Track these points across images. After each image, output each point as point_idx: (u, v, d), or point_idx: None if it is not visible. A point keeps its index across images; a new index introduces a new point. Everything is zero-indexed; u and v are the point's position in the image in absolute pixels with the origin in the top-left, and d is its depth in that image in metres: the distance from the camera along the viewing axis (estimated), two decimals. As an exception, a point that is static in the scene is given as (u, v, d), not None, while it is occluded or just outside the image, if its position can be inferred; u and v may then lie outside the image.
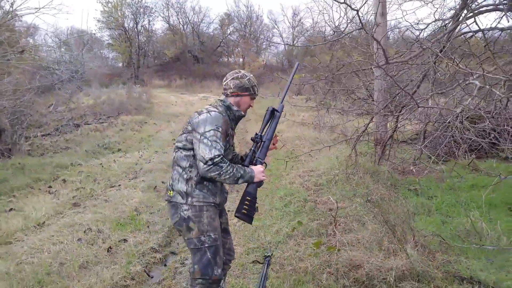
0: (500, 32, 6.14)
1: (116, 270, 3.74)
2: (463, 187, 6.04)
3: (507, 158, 6.94)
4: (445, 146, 7.72)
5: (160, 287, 3.62)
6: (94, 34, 32.50)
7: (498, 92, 4.10)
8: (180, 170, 2.39)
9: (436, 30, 6.71)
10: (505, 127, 5.20)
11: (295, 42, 34.68)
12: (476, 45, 6.70)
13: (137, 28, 35.15)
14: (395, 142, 7.24)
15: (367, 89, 8.29)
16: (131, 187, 6.68)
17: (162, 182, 6.96)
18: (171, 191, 2.41)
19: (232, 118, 2.53)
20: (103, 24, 33.72)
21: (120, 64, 37.42)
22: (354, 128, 7.07)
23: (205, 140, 2.23)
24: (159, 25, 70.07)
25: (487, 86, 4.21)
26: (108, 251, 4.17)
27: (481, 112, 5.10)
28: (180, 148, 2.42)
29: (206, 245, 2.34)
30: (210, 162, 2.20)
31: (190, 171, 2.38)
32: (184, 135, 2.43)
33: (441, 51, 5.38)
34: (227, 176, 2.27)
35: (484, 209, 4.94)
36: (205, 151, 2.22)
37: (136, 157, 9.10)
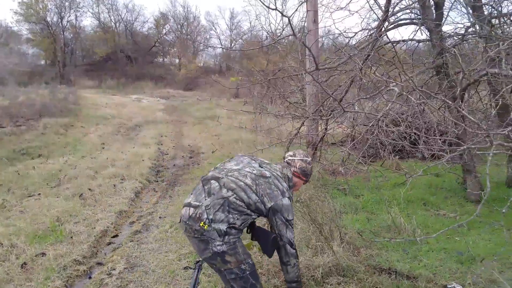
0: (417, 43, 6.77)
1: (32, 287, 3.40)
2: (387, 186, 6.53)
3: (424, 158, 7.67)
4: (371, 148, 8.32)
5: None
6: (11, 27, 29.51)
7: (413, 99, 4.52)
8: (228, 214, 2.28)
9: (362, 39, 7.18)
10: (421, 130, 5.73)
11: (233, 45, 34.86)
12: (400, 54, 7.30)
13: (62, 24, 32.62)
14: (326, 144, 7.61)
15: (300, 93, 8.61)
16: (53, 196, 6.15)
17: (89, 189, 6.52)
18: (207, 225, 2.25)
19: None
20: (21, 17, 30.61)
21: (43, 62, 34.24)
22: (288, 131, 7.28)
23: (290, 227, 2.42)
24: (88, 22, 65.95)
25: (404, 93, 4.62)
26: (22, 267, 3.79)
27: (397, 116, 5.57)
28: (238, 197, 2.31)
29: (248, 272, 2.34)
30: (295, 247, 2.47)
31: (238, 219, 2.31)
32: (253, 192, 2.34)
33: (366, 59, 5.79)
34: (297, 270, 2.52)
35: (403, 205, 5.39)
36: (291, 236, 2.44)
37: (60, 163, 8.41)
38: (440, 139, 5.46)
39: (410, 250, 4.07)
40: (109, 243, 4.64)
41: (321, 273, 3.42)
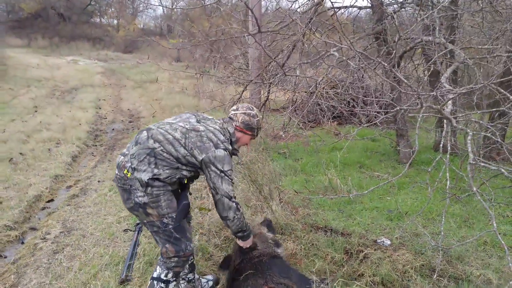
0: (359, 10, 6.82)
1: None
2: (325, 150, 6.70)
3: (361, 123, 7.99)
4: (311, 113, 8.46)
5: (15, 267, 3.11)
6: None
7: (352, 64, 4.55)
8: (153, 165, 2.16)
9: (305, 3, 7.06)
10: (359, 95, 5.88)
11: (174, 5, 32.92)
12: (342, 21, 7.33)
13: (-21, -28, 28.37)
14: (268, 110, 7.57)
15: (243, 58, 8.39)
16: (-26, 162, 5.47)
17: (21, 153, 5.91)
18: (130, 173, 2.17)
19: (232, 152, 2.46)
20: None
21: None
22: (231, 96, 7.10)
23: (226, 178, 2.25)
24: (9, -28, 57.96)
25: (344, 58, 4.64)
26: None
27: (337, 82, 5.64)
28: (166, 150, 2.18)
29: (171, 226, 2.23)
30: (234, 200, 2.29)
31: (164, 172, 2.18)
32: (181, 146, 2.20)
33: (308, 23, 5.70)
34: (238, 222, 2.37)
35: (340, 168, 5.57)
36: (228, 187, 2.26)
37: (-17, 128, 7.49)
38: (376, 104, 5.66)
39: (345, 209, 4.22)
40: (44, 208, 4.33)
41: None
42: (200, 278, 2.78)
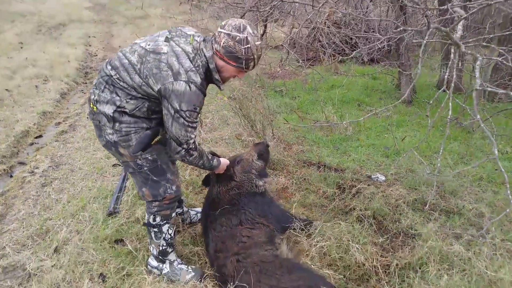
0: None
1: None
2: (324, 88, 6.47)
3: (363, 62, 7.65)
4: (312, 51, 8.07)
5: (4, 198, 3.10)
6: None
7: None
8: (114, 96, 1.87)
9: None
10: (363, 33, 5.52)
11: None
12: None
13: None
14: (266, 47, 7.19)
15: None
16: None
17: (6, 90, 5.73)
18: (95, 107, 1.91)
19: (208, 80, 1.96)
20: None
21: None
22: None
23: (181, 120, 1.79)
24: None
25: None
26: None
27: (340, 11, 5.24)
28: (121, 78, 1.85)
29: (146, 168, 2.00)
30: (185, 146, 1.92)
31: (127, 103, 1.87)
32: (136, 73, 1.82)
33: None
34: (190, 164, 2.09)
35: (338, 106, 5.40)
36: (180, 133, 1.84)
37: (-34, 62, 7.18)
38: (380, 35, 5.31)
39: (341, 146, 4.12)
40: (32, 144, 4.25)
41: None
42: (189, 210, 2.74)
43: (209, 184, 2.59)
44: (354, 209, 2.83)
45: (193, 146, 1.97)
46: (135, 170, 2.01)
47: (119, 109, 1.85)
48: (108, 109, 1.85)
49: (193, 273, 2.17)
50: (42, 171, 3.49)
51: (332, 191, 3.09)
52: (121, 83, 1.84)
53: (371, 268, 2.17)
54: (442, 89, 2.35)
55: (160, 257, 2.19)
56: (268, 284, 1.87)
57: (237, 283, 1.91)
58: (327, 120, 4.27)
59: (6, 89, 5.74)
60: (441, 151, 2.22)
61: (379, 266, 2.17)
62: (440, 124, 4.60)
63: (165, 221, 2.13)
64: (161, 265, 2.20)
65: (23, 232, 2.60)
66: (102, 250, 2.35)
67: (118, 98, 1.85)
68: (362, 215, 2.73)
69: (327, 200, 3.02)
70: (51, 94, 5.77)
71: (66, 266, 2.19)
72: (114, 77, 1.85)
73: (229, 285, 1.93)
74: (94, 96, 1.90)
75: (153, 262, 2.21)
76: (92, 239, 2.43)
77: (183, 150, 1.92)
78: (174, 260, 2.22)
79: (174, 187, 2.10)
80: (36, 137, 4.36)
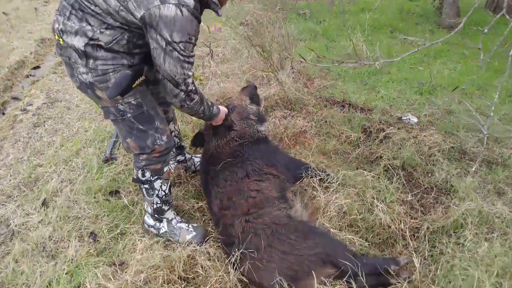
0: None
1: None
2: (353, 10, 5.72)
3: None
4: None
5: None
6: None
7: None
8: (85, 25, 1.49)
9: None
10: None
11: None
12: None
13: None
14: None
15: None
16: None
17: (4, 13, 5.32)
18: (61, 39, 1.54)
19: (203, 4, 1.63)
20: None
21: None
22: None
23: (175, 54, 1.49)
24: None
25: None
26: None
27: None
28: (93, 2, 1.47)
29: (130, 115, 1.68)
30: (183, 87, 1.61)
31: (101, 33, 1.49)
32: (112, 0, 1.44)
33: None
34: (190, 110, 1.77)
35: (368, 32, 4.75)
36: (175, 70, 1.53)
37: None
38: None
39: (369, 81, 3.65)
40: (28, 76, 3.96)
41: (267, 107, 2.99)
42: (193, 157, 2.48)
43: (199, 144, 2.29)
44: (381, 157, 2.49)
45: (193, 88, 1.65)
46: (117, 117, 1.68)
47: (92, 42, 1.47)
48: (78, 42, 1.47)
49: (194, 233, 1.94)
50: (36, 109, 3.24)
51: (357, 135, 2.72)
52: (93, 8, 1.45)
53: (397, 231, 1.89)
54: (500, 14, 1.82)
55: (156, 215, 1.95)
56: (280, 250, 1.64)
57: (245, 246, 1.70)
58: (355, 52, 3.73)
59: (4, 12, 5.32)
60: (498, 89, 1.78)
61: (407, 230, 1.89)
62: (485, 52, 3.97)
63: (156, 177, 1.86)
64: (158, 224, 1.97)
65: (10, 181, 2.41)
66: (95, 203, 2.15)
67: (89, 27, 1.46)
68: (390, 165, 2.39)
69: (350, 146, 2.67)
70: (51, 17, 5.31)
71: (54, 222, 2.01)
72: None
73: (235, 248, 1.73)
74: (59, 25, 1.51)
75: (149, 220, 1.98)
76: (84, 191, 2.23)
77: (183, 92, 1.63)
78: (172, 219, 1.98)
79: (164, 138, 1.78)
80: (33, 68, 4.05)
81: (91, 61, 1.50)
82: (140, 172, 1.83)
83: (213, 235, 1.97)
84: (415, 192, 2.20)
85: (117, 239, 1.97)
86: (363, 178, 2.13)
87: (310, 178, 2.19)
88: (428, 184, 2.28)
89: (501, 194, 2.14)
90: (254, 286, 1.66)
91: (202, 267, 1.72)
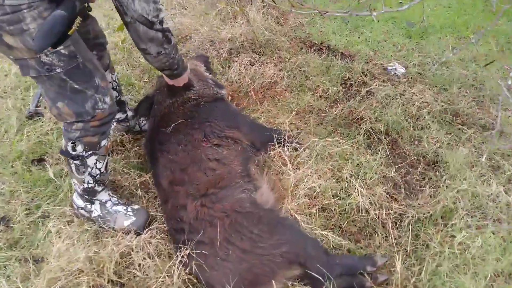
0: None
1: None
2: None
3: None
4: None
5: None
6: None
7: None
8: None
9: None
10: None
11: None
12: None
13: None
14: None
15: None
16: None
17: None
18: None
19: None
20: None
21: None
22: None
23: None
24: None
25: None
26: None
27: None
28: None
29: (59, 70, 1.24)
30: (158, 26, 1.34)
31: None
32: None
33: None
34: (166, 60, 1.49)
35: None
36: (147, 7, 1.26)
37: None
38: None
39: (351, 19, 3.12)
40: None
41: (230, 49, 2.47)
42: (138, 119, 2.01)
43: (145, 112, 1.90)
44: (361, 119, 2.12)
45: (167, 27, 1.41)
46: (41, 73, 1.23)
47: None
48: None
49: (133, 218, 1.57)
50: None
51: (336, 89, 2.31)
52: None
53: (376, 218, 1.60)
54: None
55: (86, 196, 1.56)
56: (239, 247, 1.32)
57: (196, 238, 1.36)
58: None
59: None
60: None
61: (388, 217, 1.60)
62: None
63: (90, 152, 1.45)
64: (89, 206, 1.58)
65: None
66: (12, 175, 1.71)
67: None
68: (372, 128, 2.04)
69: (327, 102, 2.27)
70: None
71: None
72: None
73: (183, 238, 1.39)
74: None
75: (78, 201, 1.59)
76: None
77: (160, 33, 1.37)
78: (106, 201, 1.59)
79: (107, 99, 1.38)
80: None
81: None
82: (70, 144, 1.41)
83: (157, 219, 1.61)
84: (400, 165, 1.88)
85: (37, 224, 1.58)
86: (340, 149, 1.77)
87: (279, 147, 1.82)
88: (415, 155, 1.96)
89: (496, 168, 1.86)
90: (203, 288, 1.36)
91: (139, 266, 1.38)
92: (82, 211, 1.59)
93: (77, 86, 1.29)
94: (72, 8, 1.13)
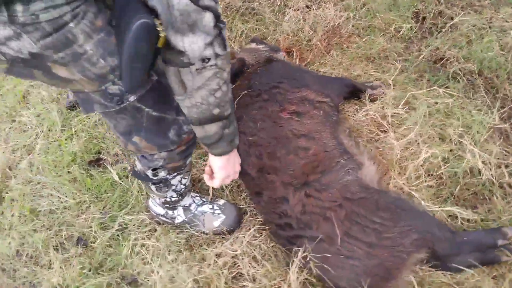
0: None
1: None
2: None
3: None
4: None
5: None
6: None
7: None
8: None
9: None
10: None
11: None
12: None
13: None
14: None
15: None
16: None
17: None
18: None
19: None
20: None
21: None
22: None
23: None
24: None
25: None
26: None
27: None
28: None
29: (133, 98, 0.96)
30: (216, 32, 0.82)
31: None
32: None
33: None
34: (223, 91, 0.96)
35: None
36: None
37: None
38: None
39: None
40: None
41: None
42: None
43: None
44: (446, 60, 1.84)
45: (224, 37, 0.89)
46: (109, 109, 0.96)
47: None
48: None
49: (223, 216, 1.40)
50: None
51: (408, 25, 1.99)
52: None
53: (493, 179, 1.42)
54: None
55: (168, 205, 1.40)
56: (364, 241, 1.17)
57: (308, 234, 1.23)
58: None
59: None
60: None
61: (506, 174, 1.42)
62: None
63: (175, 173, 1.24)
64: (171, 213, 1.42)
65: None
66: (71, 183, 1.51)
67: None
68: (461, 70, 1.77)
69: (402, 43, 1.97)
70: None
71: (17, 226, 1.41)
72: None
73: (290, 234, 1.27)
74: None
75: (156, 208, 1.42)
76: (51, 164, 1.54)
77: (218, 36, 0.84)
78: (190, 204, 1.43)
79: (186, 127, 1.12)
80: None
81: (18, 7, 0.70)
82: (151, 171, 1.19)
83: (247, 211, 1.47)
84: (503, 111, 1.66)
85: (118, 240, 1.42)
86: (443, 102, 1.55)
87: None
88: (513, 94, 1.71)
89: None
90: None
91: (247, 274, 1.27)
92: (163, 218, 1.44)
93: (155, 113, 1.02)
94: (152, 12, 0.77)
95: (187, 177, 1.32)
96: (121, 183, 1.51)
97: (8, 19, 0.71)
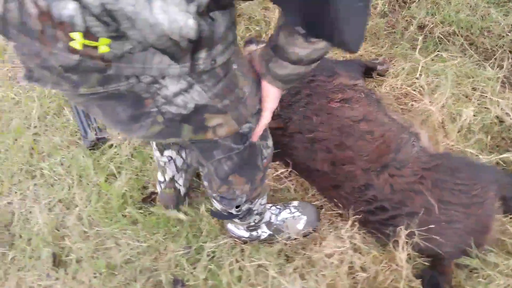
0: None
1: None
2: None
3: None
4: None
5: None
6: None
7: None
8: None
9: None
10: None
11: None
12: None
13: None
14: None
15: None
16: None
17: None
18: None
19: None
20: None
21: None
22: None
23: None
24: None
25: None
26: None
27: None
28: None
29: (251, 134, 0.86)
30: None
31: None
32: None
33: None
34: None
35: None
36: None
37: None
38: None
39: None
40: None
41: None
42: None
43: None
44: (425, 26, 1.99)
45: None
46: (233, 151, 0.87)
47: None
48: (178, 14, 0.53)
49: (304, 217, 1.36)
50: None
51: (382, 1, 2.09)
52: None
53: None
54: None
55: (252, 228, 1.31)
56: (459, 204, 1.22)
57: (405, 211, 1.24)
58: None
59: None
60: None
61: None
62: None
63: (256, 200, 1.16)
64: (255, 233, 1.33)
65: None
66: (133, 227, 1.33)
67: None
68: (442, 34, 1.94)
69: (382, 18, 2.07)
70: None
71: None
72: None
73: (385, 215, 1.27)
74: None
75: (239, 231, 1.32)
76: (102, 212, 1.34)
77: None
78: (270, 217, 1.35)
79: (269, 142, 1.02)
80: None
81: (202, 54, 0.59)
82: (234, 209, 1.10)
83: (322, 206, 1.43)
84: (490, 62, 1.85)
85: (214, 272, 1.26)
86: (453, 65, 1.68)
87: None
88: (490, 46, 1.92)
89: None
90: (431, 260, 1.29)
91: (361, 268, 1.24)
92: (248, 239, 1.35)
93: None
94: None
95: (264, 197, 1.23)
96: (187, 215, 1.35)
97: (190, 68, 0.60)
